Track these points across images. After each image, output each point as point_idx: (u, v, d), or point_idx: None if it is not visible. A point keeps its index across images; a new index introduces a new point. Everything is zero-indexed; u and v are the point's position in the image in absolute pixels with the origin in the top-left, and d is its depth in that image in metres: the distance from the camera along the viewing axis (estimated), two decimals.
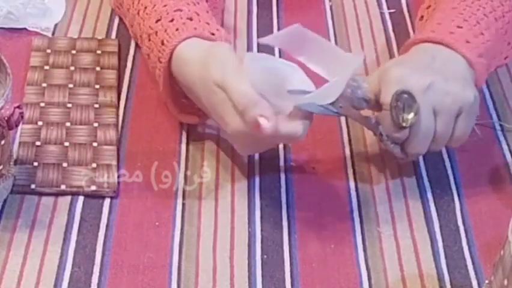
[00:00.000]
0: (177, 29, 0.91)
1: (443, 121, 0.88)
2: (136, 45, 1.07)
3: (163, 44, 0.91)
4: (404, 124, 0.86)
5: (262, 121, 0.81)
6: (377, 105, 0.90)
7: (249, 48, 1.10)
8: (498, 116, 1.03)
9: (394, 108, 0.86)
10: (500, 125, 1.02)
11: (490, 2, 0.99)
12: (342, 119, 1.00)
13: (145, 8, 0.97)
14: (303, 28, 0.89)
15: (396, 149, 0.90)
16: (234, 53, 0.87)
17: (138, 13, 0.98)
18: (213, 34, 0.92)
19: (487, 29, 0.96)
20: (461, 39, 0.93)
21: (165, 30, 0.92)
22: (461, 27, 0.94)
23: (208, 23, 0.93)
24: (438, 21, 0.96)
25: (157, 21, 0.94)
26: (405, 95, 0.86)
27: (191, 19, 0.93)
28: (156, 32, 0.93)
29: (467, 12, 0.97)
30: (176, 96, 0.94)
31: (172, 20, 0.92)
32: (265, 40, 0.90)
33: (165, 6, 0.95)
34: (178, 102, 0.95)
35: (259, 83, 0.83)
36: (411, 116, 0.86)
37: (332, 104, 0.85)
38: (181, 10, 0.94)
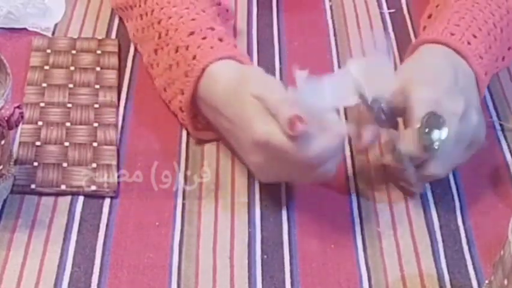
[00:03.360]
0: (212, 47, 0.91)
1: (460, 148, 0.88)
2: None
3: (194, 58, 0.91)
4: (433, 146, 0.85)
5: (298, 119, 0.80)
6: (392, 119, 0.89)
7: (249, 48, 1.10)
8: (498, 115, 1.03)
9: (424, 128, 0.85)
10: (500, 125, 1.02)
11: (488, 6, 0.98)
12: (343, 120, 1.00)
13: (169, 18, 0.96)
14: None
15: (411, 170, 0.88)
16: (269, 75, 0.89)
17: (159, 22, 0.97)
18: (242, 55, 0.93)
19: (495, 42, 0.96)
20: (475, 54, 0.93)
21: (198, 47, 0.92)
22: (476, 37, 0.94)
23: (236, 46, 0.94)
24: (456, 23, 0.95)
25: (189, 35, 0.94)
26: (434, 117, 0.85)
27: (221, 40, 0.93)
28: (187, 46, 0.93)
29: (480, 18, 0.96)
30: (196, 113, 0.94)
31: (204, 38, 0.93)
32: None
33: (193, 20, 0.95)
34: (196, 120, 0.95)
35: (308, 101, 0.82)
36: (439, 137, 0.85)
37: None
38: (213, 29, 0.94)
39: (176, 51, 0.94)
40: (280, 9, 1.17)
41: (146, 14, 1.00)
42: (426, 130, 0.85)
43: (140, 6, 1.02)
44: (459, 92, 0.88)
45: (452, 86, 0.88)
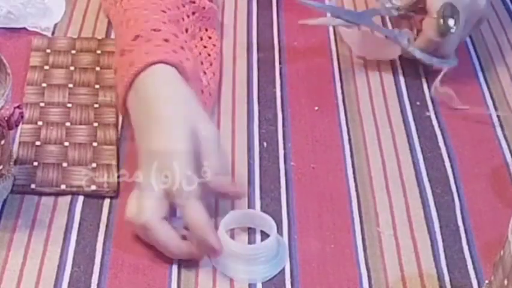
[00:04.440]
0: (147, 53, 0.89)
1: (468, 28, 1.07)
2: None
3: (131, 65, 0.89)
4: (451, 31, 1.02)
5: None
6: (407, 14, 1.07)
7: (249, 48, 1.10)
8: (498, 115, 1.03)
9: (441, 17, 1.02)
10: (497, 116, 1.02)
11: None
12: (343, 120, 1.00)
13: (129, 20, 0.95)
14: None
15: (422, 55, 1.05)
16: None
17: (121, 24, 0.96)
18: (187, 59, 0.90)
19: None
20: None
21: (138, 51, 0.90)
22: None
23: (182, 48, 0.91)
24: None
25: (135, 38, 0.91)
26: (448, 7, 1.02)
27: (167, 40, 0.91)
28: (132, 51, 0.90)
29: None
30: None
31: (149, 40, 0.91)
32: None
33: (147, 22, 0.93)
34: None
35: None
36: (454, 23, 1.02)
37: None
38: (159, 30, 0.92)
39: (122, 54, 0.92)
40: (280, 9, 1.17)
41: (115, 16, 1.00)
42: (443, 19, 1.02)
43: (113, 8, 1.02)
44: None
45: None
